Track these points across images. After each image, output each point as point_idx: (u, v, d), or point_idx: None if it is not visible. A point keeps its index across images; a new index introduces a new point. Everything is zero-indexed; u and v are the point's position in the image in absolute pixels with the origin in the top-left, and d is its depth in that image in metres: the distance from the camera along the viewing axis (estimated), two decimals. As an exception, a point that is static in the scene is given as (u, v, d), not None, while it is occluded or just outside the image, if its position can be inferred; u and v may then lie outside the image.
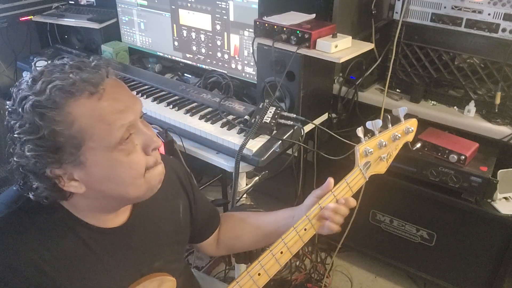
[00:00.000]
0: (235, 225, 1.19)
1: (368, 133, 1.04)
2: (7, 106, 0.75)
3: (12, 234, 0.78)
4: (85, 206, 0.83)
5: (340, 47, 1.52)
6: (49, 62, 0.80)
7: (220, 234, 1.20)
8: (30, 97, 0.71)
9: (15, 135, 0.73)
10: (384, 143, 1.04)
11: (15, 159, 0.75)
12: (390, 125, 1.06)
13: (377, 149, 1.04)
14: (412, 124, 1.09)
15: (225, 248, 1.21)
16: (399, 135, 1.06)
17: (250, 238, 1.15)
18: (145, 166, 0.80)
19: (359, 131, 1.02)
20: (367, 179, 1.04)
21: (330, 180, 1.00)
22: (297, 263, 2.16)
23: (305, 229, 0.98)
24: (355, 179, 1.02)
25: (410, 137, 1.10)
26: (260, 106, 1.59)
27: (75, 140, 0.73)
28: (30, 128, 0.71)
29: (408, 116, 1.08)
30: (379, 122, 1.03)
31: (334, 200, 0.99)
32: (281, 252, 0.97)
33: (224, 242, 1.19)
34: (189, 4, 1.93)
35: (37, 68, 0.78)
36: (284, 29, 1.55)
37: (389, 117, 1.06)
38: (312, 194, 1.03)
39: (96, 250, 0.85)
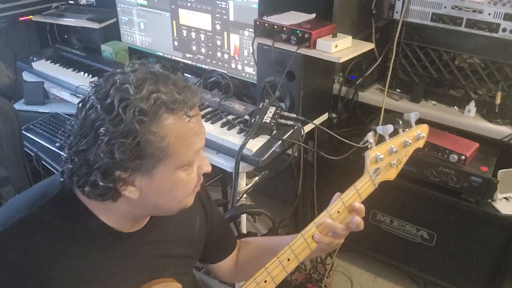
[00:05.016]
0: (255, 249, 1.18)
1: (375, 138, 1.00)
2: (93, 97, 0.73)
3: (32, 234, 0.78)
4: (119, 210, 0.82)
5: (340, 47, 1.52)
6: (144, 66, 0.80)
7: (239, 258, 1.19)
8: (134, 101, 0.71)
9: (101, 131, 0.71)
10: (394, 149, 1.00)
11: (85, 154, 0.73)
12: (401, 130, 1.03)
13: (387, 155, 1.00)
14: (423, 130, 1.06)
15: (244, 272, 1.18)
16: (410, 141, 1.03)
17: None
18: (194, 186, 0.86)
19: (370, 136, 0.99)
20: (377, 186, 1.01)
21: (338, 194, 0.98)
22: (297, 263, 2.16)
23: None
24: (365, 186, 0.99)
25: (420, 143, 1.06)
26: (260, 106, 1.59)
27: (161, 154, 0.75)
28: (125, 131, 0.71)
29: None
30: (390, 127, 1.00)
31: (343, 207, 0.96)
32: (288, 260, 0.95)
33: (243, 266, 1.17)
34: (189, 4, 1.93)
35: (133, 71, 0.76)
36: (284, 29, 1.55)
37: (400, 122, 1.03)
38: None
39: (110, 252, 0.85)
